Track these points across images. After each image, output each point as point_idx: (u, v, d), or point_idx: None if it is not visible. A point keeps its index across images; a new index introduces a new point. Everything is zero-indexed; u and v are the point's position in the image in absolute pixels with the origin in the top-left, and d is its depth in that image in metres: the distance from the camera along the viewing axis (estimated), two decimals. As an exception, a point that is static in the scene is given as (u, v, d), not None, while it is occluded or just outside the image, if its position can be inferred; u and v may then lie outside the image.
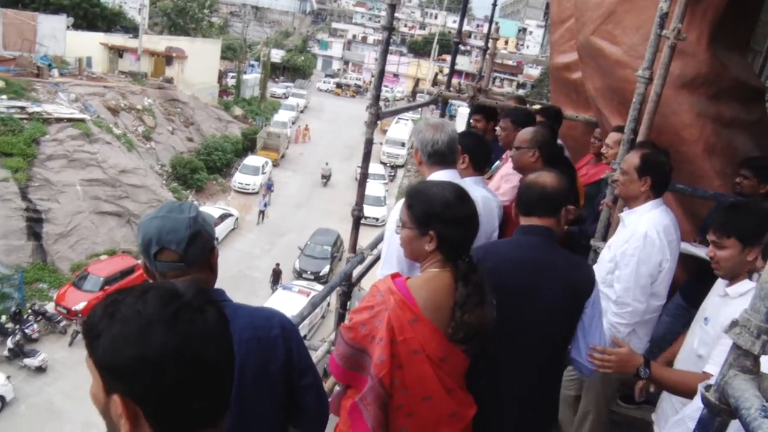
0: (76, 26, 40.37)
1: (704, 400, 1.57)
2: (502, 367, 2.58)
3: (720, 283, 2.85)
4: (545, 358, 2.62)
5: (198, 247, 1.87)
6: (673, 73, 4.01)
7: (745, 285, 2.65)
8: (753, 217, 2.63)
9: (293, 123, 47.82)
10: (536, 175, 2.75)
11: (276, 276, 24.88)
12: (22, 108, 25.03)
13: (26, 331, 18.60)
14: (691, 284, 4.11)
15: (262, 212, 32.14)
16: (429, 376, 2.20)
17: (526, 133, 3.92)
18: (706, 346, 2.70)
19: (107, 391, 1.10)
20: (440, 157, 3.12)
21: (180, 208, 1.90)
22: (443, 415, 2.27)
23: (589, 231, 4.34)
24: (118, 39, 41.51)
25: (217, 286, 1.98)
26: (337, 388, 4.47)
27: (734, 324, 1.31)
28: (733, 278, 2.73)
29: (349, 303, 4.68)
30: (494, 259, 2.57)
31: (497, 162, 4.79)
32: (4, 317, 19.18)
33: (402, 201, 2.49)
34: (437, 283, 2.25)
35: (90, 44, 37.68)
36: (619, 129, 4.56)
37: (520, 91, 51.87)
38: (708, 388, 1.57)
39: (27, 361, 17.67)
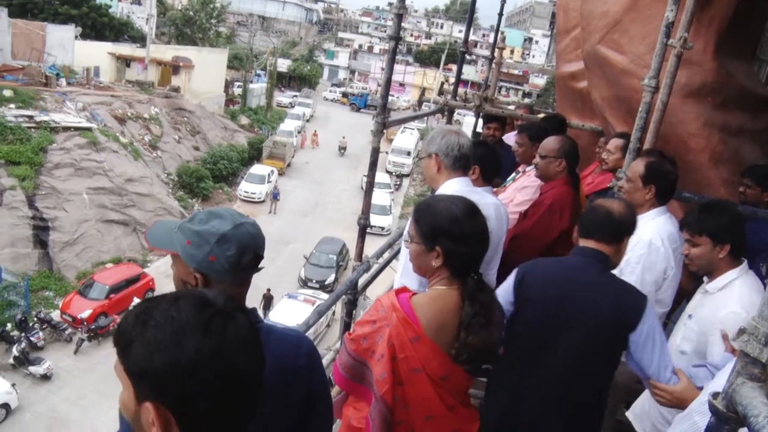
0: (85, 36, 40.74)
1: (711, 407, 1.56)
2: (523, 381, 2.55)
3: (704, 283, 3.01)
4: (573, 377, 2.50)
5: None
6: (680, 82, 4.01)
7: (723, 279, 2.83)
8: (722, 216, 2.83)
9: (299, 132, 48.01)
10: (604, 200, 2.69)
11: (267, 301, 23.28)
12: (30, 117, 25.19)
13: (32, 338, 18.59)
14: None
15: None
16: (430, 395, 2.17)
17: (552, 142, 3.88)
18: (690, 342, 2.82)
19: (138, 398, 1.10)
20: (465, 160, 3.05)
21: (237, 213, 1.84)
22: None
23: None
24: (126, 48, 41.82)
25: None
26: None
27: (742, 332, 1.31)
28: (711, 274, 2.90)
29: (354, 312, 4.66)
30: (534, 273, 2.57)
31: (513, 174, 4.77)
32: (9, 325, 19.20)
33: None
34: (442, 302, 2.19)
35: (98, 54, 37.97)
36: (621, 135, 4.56)
37: (526, 100, 51.91)
38: (716, 395, 1.57)
39: (32, 368, 17.66)
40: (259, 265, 1.85)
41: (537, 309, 2.49)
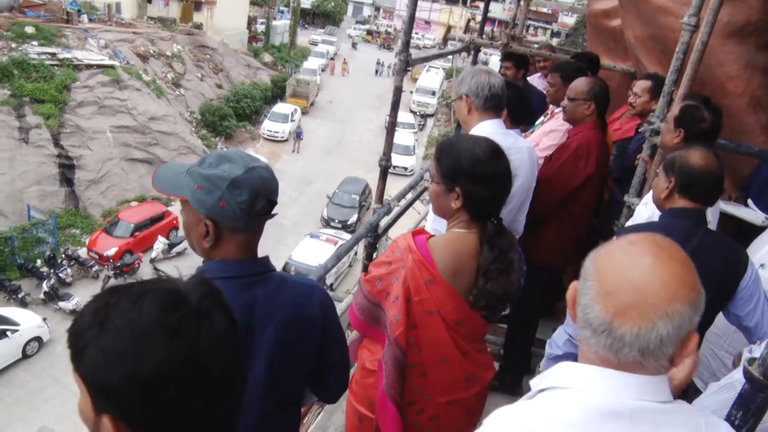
0: (105, -30, 40.06)
1: (746, 374, 1.47)
2: None
3: None
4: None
5: None
6: (721, 20, 3.75)
7: None
8: None
9: (323, 70, 47.36)
10: (701, 156, 2.45)
11: None
12: (53, 54, 25.09)
13: (60, 275, 19.12)
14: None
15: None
16: (444, 338, 2.15)
17: (581, 84, 3.71)
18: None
19: (97, 410, 0.94)
20: (497, 101, 2.91)
21: (249, 155, 1.75)
22: (459, 378, 2.24)
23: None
24: (147, -17, 41.14)
25: None
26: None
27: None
28: None
29: (375, 254, 4.62)
30: None
31: (541, 118, 4.61)
32: (39, 261, 19.71)
33: None
34: (460, 245, 2.15)
35: (119, -11, 37.40)
36: (649, 77, 4.34)
37: (554, 40, 50.51)
38: (752, 361, 1.47)
39: (62, 304, 18.19)
40: (273, 212, 1.77)
41: None
